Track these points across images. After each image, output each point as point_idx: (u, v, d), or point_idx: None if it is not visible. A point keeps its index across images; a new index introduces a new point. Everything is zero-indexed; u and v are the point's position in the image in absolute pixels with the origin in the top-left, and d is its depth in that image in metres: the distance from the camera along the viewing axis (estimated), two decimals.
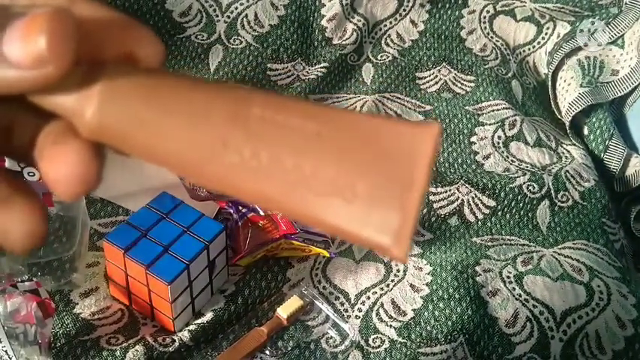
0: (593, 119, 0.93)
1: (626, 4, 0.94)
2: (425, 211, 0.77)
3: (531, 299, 0.66)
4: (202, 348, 0.61)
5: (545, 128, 0.92)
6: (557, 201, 0.80)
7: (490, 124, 0.90)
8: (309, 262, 0.70)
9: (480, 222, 0.77)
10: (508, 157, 0.86)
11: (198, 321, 0.62)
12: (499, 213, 0.78)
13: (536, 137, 0.89)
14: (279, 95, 0.19)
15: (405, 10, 1.03)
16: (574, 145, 0.91)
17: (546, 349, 0.63)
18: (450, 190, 0.79)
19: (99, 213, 0.71)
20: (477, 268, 0.69)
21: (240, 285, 0.66)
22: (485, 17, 1.04)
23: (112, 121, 0.19)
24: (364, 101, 0.92)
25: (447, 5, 1.04)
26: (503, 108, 0.92)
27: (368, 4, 1.01)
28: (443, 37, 1.03)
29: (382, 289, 0.67)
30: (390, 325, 0.64)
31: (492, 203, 0.79)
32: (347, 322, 0.64)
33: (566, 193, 0.81)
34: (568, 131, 0.93)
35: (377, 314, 0.65)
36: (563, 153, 0.88)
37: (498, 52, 1.02)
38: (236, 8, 0.99)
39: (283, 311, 0.62)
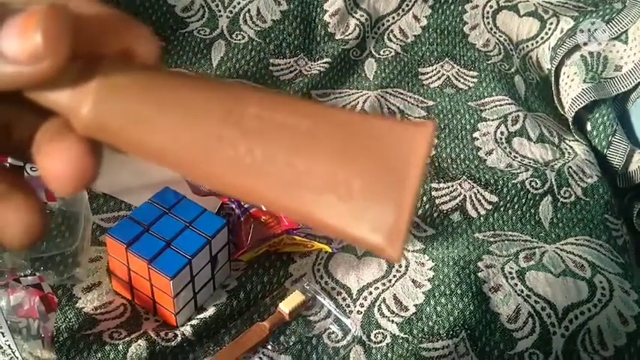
0: (597, 115, 0.92)
1: None
2: (427, 206, 0.77)
3: (533, 295, 0.66)
4: (204, 343, 0.61)
5: (548, 124, 0.92)
6: (559, 197, 0.80)
7: (493, 120, 0.90)
8: (311, 257, 0.70)
9: (482, 218, 0.77)
10: (511, 153, 0.85)
11: (201, 316, 0.62)
12: (501, 209, 0.78)
13: (539, 133, 0.89)
14: (275, 93, 0.19)
15: (407, 6, 1.03)
16: (577, 140, 0.91)
17: (548, 345, 0.63)
18: (452, 186, 0.79)
19: (101, 208, 0.72)
20: (479, 264, 0.69)
21: (242, 280, 0.66)
22: (488, 12, 1.04)
23: (106, 118, 0.19)
24: (366, 97, 0.92)
25: (450, 0, 1.04)
26: (506, 103, 0.92)
27: None
28: (446, 32, 1.03)
29: (384, 284, 0.67)
30: (392, 321, 0.64)
31: (495, 199, 0.79)
32: (349, 317, 0.64)
33: (569, 189, 0.81)
34: (571, 127, 0.92)
35: (379, 309, 0.65)
36: (565, 149, 0.88)
37: (501, 47, 1.02)
38: (238, 3, 0.98)
39: (285, 306, 0.62)
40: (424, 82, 0.97)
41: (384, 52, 1.00)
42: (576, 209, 0.79)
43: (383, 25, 1.02)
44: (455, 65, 0.99)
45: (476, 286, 0.66)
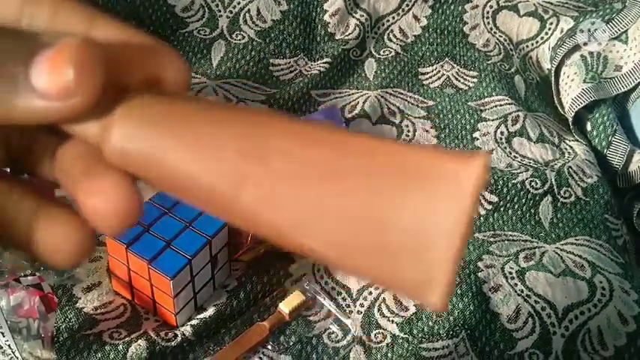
0: (597, 115, 0.92)
1: None
2: None
3: (533, 295, 0.66)
4: (204, 343, 0.61)
5: (548, 124, 0.92)
6: (559, 197, 0.80)
7: (493, 120, 0.90)
8: None
9: (482, 218, 0.77)
10: (511, 153, 0.85)
11: (201, 316, 0.62)
12: (501, 209, 0.78)
13: (539, 133, 0.89)
14: (302, 123, 0.18)
15: (407, 5, 1.03)
16: (577, 141, 0.91)
17: (548, 345, 0.63)
18: None
19: None
20: (479, 264, 0.69)
21: (242, 280, 0.66)
22: (488, 12, 1.04)
23: (133, 150, 0.18)
24: (367, 96, 0.92)
25: (450, 0, 1.04)
26: (506, 103, 0.92)
27: None
28: (446, 32, 1.03)
29: None
30: (392, 321, 0.64)
31: (495, 199, 0.79)
32: (349, 317, 0.64)
33: (569, 189, 0.81)
34: (571, 127, 0.92)
35: (379, 309, 0.65)
36: (565, 149, 0.88)
37: (501, 47, 1.02)
38: (238, 3, 0.98)
39: (285, 306, 0.62)
40: (424, 82, 0.97)
41: (384, 52, 1.00)
42: (576, 209, 0.79)
43: (383, 25, 1.02)
44: (455, 65, 0.99)
45: (476, 286, 0.66)
